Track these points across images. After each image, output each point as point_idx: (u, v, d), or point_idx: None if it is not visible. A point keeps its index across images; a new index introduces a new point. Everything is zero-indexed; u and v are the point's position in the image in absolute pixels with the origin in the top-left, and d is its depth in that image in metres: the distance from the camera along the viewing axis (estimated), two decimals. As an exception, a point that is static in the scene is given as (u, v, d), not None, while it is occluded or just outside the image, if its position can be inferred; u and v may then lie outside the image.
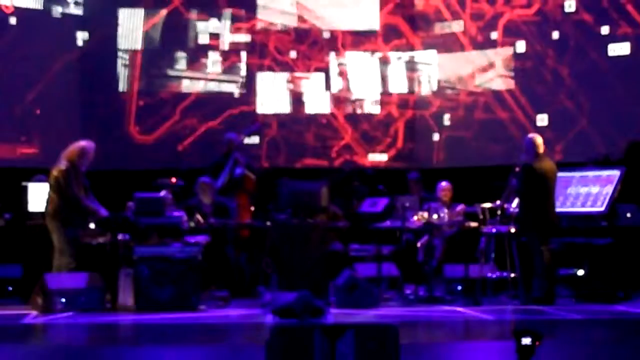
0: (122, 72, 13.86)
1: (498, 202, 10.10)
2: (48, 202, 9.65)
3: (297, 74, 14.20)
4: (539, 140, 9.93)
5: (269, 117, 14.03)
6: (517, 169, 9.95)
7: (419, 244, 10.97)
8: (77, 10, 13.34)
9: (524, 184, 9.81)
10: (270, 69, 14.17)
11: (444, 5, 14.08)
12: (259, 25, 14.20)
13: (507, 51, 13.55)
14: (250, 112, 13.90)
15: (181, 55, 14.10)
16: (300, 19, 14.34)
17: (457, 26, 13.98)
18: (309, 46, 14.30)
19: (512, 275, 9.94)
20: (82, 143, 9.87)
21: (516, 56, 13.53)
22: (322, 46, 14.30)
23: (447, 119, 14.00)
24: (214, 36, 14.12)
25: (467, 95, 13.88)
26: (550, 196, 9.80)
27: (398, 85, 14.28)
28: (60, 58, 13.14)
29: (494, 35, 13.71)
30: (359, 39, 14.29)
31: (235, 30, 14.13)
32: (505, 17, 13.65)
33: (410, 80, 14.27)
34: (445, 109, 14.01)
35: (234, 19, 14.19)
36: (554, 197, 9.87)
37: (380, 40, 14.30)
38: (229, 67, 14.11)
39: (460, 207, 10.86)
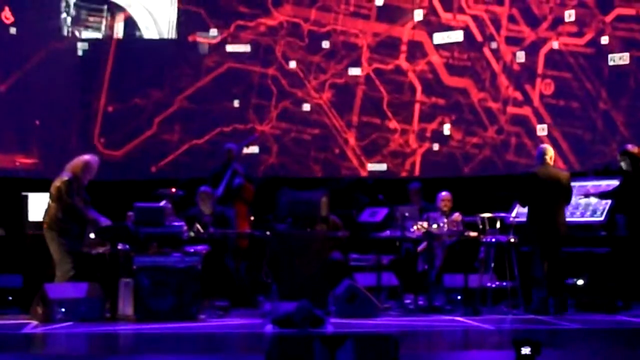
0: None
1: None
2: (47, 212, 9.67)
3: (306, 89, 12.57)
4: (549, 149, 9.99)
5: (268, 140, 12.52)
6: None
7: (419, 249, 10.99)
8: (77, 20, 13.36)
9: (525, 190, 9.82)
10: (275, 80, 12.60)
11: (474, 24, 12.31)
12: (265, 26, 12.49)
13: (548, 85, 11.95)
14: (244, 131, 12.41)
15: (165, 54, 12.46)
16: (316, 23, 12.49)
17: (488, 50, 12.27)
18: (323, 57, 12.65)
19: (512, 284, 9.95)
20: (87, 157, 9.89)
21: (559, 92, 11.84)
22: (340, 58, 12.65)
23: (469, 157, 12.44)
24: (210, 36, 12.56)
25: (495, 132, 12.32)
26: (553, 205, 9.76)
27: (417, 111, 12.68)
28: (60, 68, 13.15)
29: (534, 64, 11.93)
30: (380, 55, 12.68)
31: (235, 29, 12.58)
32: (548, 45, 11.85)
33: (431, 107, 12.63)
34: (468, 145, 12.50)
35: (235, 17, 12.51)
36: (558, 206, 9.81)
37: (402, 57, 12.67)
38: (224, 75, 12.58)
39: (456, 215, 10.86)
